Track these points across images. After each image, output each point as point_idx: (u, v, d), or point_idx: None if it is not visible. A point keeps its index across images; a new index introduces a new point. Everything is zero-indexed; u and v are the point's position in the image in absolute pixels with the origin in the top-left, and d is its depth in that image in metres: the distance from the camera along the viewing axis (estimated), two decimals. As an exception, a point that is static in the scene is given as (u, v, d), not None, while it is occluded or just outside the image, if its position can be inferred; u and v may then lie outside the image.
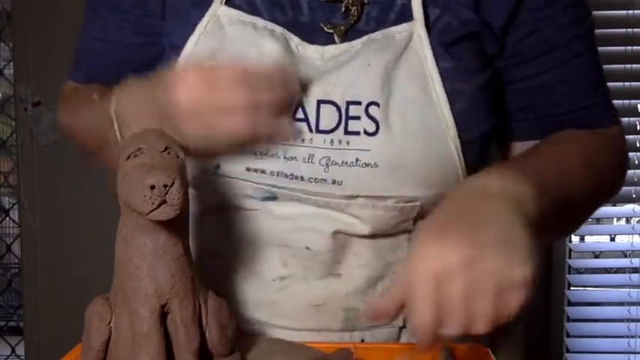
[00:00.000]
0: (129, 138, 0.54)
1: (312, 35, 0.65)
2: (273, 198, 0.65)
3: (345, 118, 0.62)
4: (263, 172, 0.64)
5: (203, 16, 0.66)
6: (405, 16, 0.64)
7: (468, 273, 0.49)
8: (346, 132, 0.62)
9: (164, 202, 0.48)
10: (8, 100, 1.93)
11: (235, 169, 0.64)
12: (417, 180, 0.63)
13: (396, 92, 0.62)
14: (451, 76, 0.63)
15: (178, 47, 0.67)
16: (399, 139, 0.61)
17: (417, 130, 0.62)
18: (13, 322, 2.30)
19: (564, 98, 0.69)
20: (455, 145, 0.63)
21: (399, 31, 0.64)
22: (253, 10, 0.66)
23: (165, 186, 0.47)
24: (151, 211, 0.48)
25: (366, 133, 0.62)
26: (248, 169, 0.64)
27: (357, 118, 0.62)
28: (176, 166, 0.50)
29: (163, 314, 0.52)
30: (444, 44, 0.64)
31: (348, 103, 0.62)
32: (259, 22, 0.65)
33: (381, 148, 0.61)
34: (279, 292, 0.67)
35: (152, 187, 0.47)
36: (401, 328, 0.69)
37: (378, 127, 0.61)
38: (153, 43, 0.73)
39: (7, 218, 1.86)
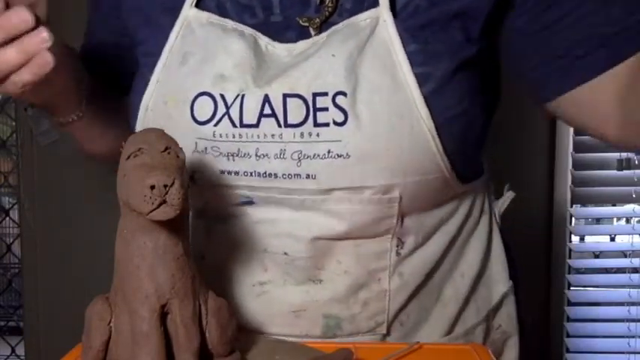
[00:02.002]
0: (129, 138, 0.54)
1: (283, 33, 0.65)
2: (250, 202, 0.65)
3: (312, 110, 0.61)
4: (237, 173, 0.64)
5: (174, 22, 0.67)
6: (375, 2, 0.63)
7: None
8: (315, 124, 0.61)
9: (164, 202, 0.48)
10: (8, 100, 1.93)
11: (210, 174, 0.64)
12: (392, 167, 0.61)
13: (362, 80, 0.61)
14: (415, 59, 0.61)
15: (153, 55, 0.68)
16: (368, 127, 0.60)
17: (386, 115, 0.60)
18: (13, 322, 2.30)
19: (606, 21, 0.63)
20: (428, 127, 0.61)
21: (364, 18, 0.63)
22: (222, 14, 0.66)
23: (165, 186, 0.47)
24: (151, 211, 0.48)
25: (335, 123, 0.60)
26: (222, 172, 0.64)
27: (325, 109, 0.61)
28: (176, 166, 0.50)
29: (163, 314, 0.52)
30: (409, 28, 0.62)
31: (315, 95, 0.61)
32: (229, 23, 0.65)
33: (351, 138, 0.60)
34: (259, 297, 0.67)
35: (152, 187, 0.47)
36: (384, 336, 0.69)
37: (346, 117, 0.60)
38: (128, 45, 0.74)
39: (7, 218, 1.86)
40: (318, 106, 0.61)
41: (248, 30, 0.65)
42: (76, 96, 0.71)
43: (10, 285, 2.19)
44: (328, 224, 0.64)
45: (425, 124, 0.61)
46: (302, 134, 0.61)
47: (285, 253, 0.65)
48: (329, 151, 0.61)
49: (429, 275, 0.70)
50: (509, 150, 1.40)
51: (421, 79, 0.61)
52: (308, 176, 0.62)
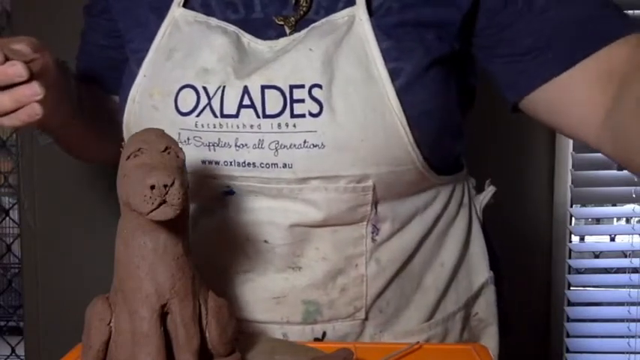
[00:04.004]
0: (129, 138, 0.54)
1: (264, 31, 0.68)
2: (231, 192, 0.67)
3: (289, 101, 0.63)
4: (217, 163, 0.66)
5: (161, 20, 0.70)
6: (351, 1, 0.66)
7: None
8: (292, 115, 0.63)
9: (164, 202, 0.48)
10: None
11: (193, 164, 0.66)
12: (365, 157, 0.63)
13: (337, 73, 0.63)
14: (389, 55, 0.64)
15: (140, 51, 0.71)
16: (342, 118, 0.62)
17: (360, 107, 0.63)
18: (13, 322, 2.30)
19: (568, 25, 0.66)
20: (400, 120, 0.63)
21: (341, 16, 0.66)
22: (207, 12, 0.70)
23: (165, 186, 0.47)
24: (151, 211, 0.48)
25: (311, 114, 0.63)
26: (203, 162, 0.66)
27: (302, 101, 0.63)
28: (176, 166, 0.51)
29: (163, 314, 0.52)
30: (383, 26, 0.65)
31: (292, 87, 0.63)
32: (213, 21, 0.68)
33: (326, 129, 0.62)
34: (242, 285, 0.69)
35: (152, 187, 0.47)
36: (364, 321, 0.70)
37: (322, 109, 0.62)
38: (119, 46, 0.78)
39: (7, 218, 1.86)
40: (294, 97, 0.63)
41: (231, 27, 0.68)
42: (62, 115, 0.74)
43: (10, 285, 2.19)
44: (305, 212, 0.66)
45: (397, 117, 0.63)
46: (279, 125, 0.63)
47: (266, 241, 0.67)
48: (305, 142, 0.63)
49: (407, 262, 0.72)
50: (509, 150, 1.40)
51: (394, 74, 0.64)
52: (285, 165, 0.64)
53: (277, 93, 0.64)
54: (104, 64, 0.83)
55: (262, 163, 0.64)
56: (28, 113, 0.62)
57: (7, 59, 0.60)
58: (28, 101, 0.61)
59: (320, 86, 0.63)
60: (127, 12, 0.75)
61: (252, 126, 0.64)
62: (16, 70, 0.60)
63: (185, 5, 0.71)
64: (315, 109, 0.63)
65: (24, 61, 0.60)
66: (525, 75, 0.68)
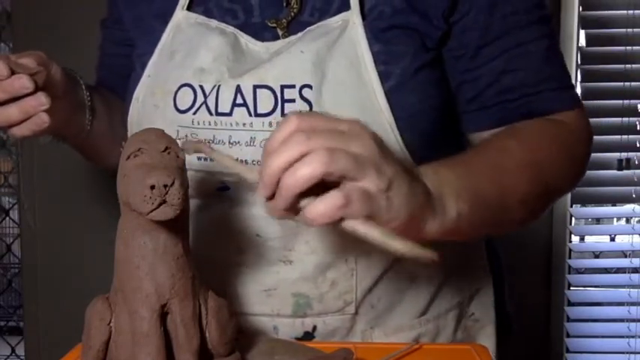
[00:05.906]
0: (129, 138, 0.54)
1: (261, 33, 0.70)
2: (226, 188, 0.68)
3: (280, 101, 0.65)
4: (212, 159, 0.66)
5: (165, 25, 0.73)
6: (345, 5, 0.68)
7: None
8: (283, 114, 0.65)
9: (164, 202, 0.48)
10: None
11: (189, 160, 0.66)
12: None
13: (328, 75, 0.65)
14: (378, 58, 0.65)
15: (144, 55, 0.74)
16: None
17: (349, 108, 0.64)
18: (13, 322, 2.30)
19: (511, 87, 0.70)
20: (389, 121, 0.65)
21: (336, 20, 0.67)
22: (208, 17, 0.72)
23: (165, 186, 0.47)
24: (151, 211, 0.48)
25: None
26: (199, 159, 0.68)
27: (292, 100, 0.65)
28: (176, 166, 0.51)
29: (163, 314, 0.52)
30: (374, 30, 0.67)
31: (283, 87, 0.65)
32: (213, 22, 0.71)
33: None
34: (234, 278, 0.70)
35: (152, 187, 0.47)
36: (354, 316, 0.70)
37: (311, 108, 0.64)
38: (131, 54, 0.80)
39: (7, 218, 1.86)
40: (285, 97, 0.65)
41: (230, 29, 0.70)
42: (76, 124, 0.76)
43: (10, 285, 2.19)
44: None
45: (385, 118, 0.64)
46: (270, 123, 0.65)
47: (258, 235, 0.68)
48: None
49: (399, 259, 0.71)
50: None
51: (383, 77, 0.65)
52: None
53: (268, 92, 0.65)
54: (120, 73, 0.85)
55: (254, 160, 0.66)
56: (36, 122, 0.65)
57: (13, 73, 0.62)
58: (34, 111, 0.64)
59: (310, 87, 0.64)
60: (136, 21, 0.78)
61: (244, 124, 0.66)
62: (21, 82, 0.63)
63: (188, 9, 0.73)
64: (306, 109, 0.64)
65: (29, 74, 0.63)
66: (463, 117, 0.73)
